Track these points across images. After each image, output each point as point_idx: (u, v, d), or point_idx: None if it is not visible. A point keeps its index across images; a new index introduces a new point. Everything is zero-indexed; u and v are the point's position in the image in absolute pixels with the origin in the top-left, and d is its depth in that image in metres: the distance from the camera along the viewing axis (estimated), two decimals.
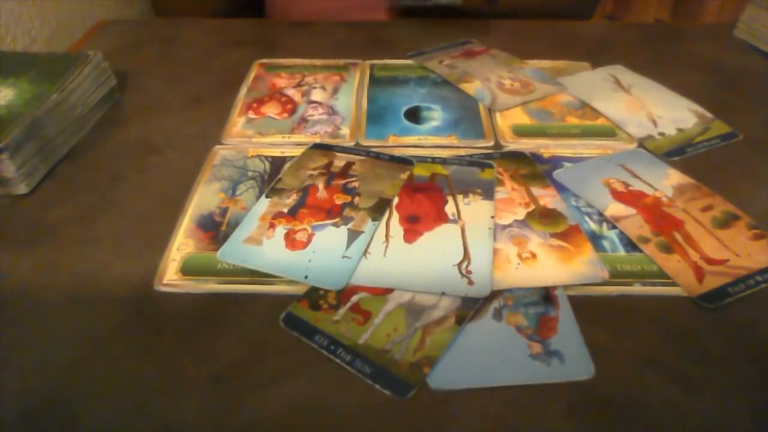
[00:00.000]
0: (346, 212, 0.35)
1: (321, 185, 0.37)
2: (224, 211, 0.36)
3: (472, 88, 0.48)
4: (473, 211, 0.35)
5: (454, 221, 0.34)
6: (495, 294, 0.30)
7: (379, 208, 0.35)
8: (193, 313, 0.30)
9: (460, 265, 0.31)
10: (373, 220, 0.34)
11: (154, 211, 0.36)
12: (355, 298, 0.30)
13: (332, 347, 0.27)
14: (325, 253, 0.32)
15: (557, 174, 0.39)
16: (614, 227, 0.34)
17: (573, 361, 0.27)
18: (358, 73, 0.51)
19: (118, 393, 0.26)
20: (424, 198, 0.36)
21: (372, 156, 0.40)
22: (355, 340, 0.28)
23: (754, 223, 0.34)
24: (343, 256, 0.32)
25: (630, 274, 0.31)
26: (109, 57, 0.46)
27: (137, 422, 0.25)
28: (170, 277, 0.31)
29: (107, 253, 0.33)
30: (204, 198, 0.37)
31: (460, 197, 0.36)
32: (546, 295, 0.30)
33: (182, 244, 0.33)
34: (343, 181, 0.37)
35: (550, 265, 0.32)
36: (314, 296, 0.30)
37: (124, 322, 0.29)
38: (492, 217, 0.34)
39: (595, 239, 0.34)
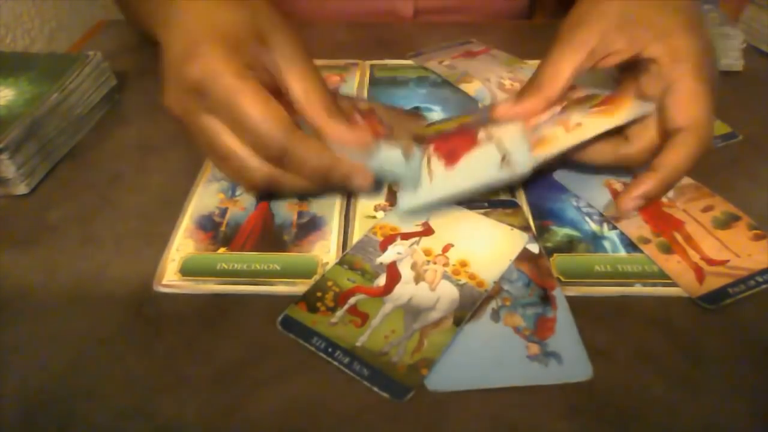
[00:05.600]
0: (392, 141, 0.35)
1: (358, 117, 0.35)
2: (224, 212, 0.36)
3: (472, 88, 0.48)
4: (503, 129, 0.35)
5: (489, 139, 0.34)
6: (493, 294, 0.30)
7: (417, 140, 0.36)
8: (193, 314, 0.30)
9: (501, 161, 0.33)
10: (418, 144, 0.35)
11: (154, 211, 0.36)
12: (352, 300, 0.30)
13: (330, 350, 0.27)
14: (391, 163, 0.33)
15: (557, 174, 0.39)
16: (615, 228, 0.34)
17: (571, 362, 0.27)
18: (358, 73, 0.51)
19: (118, 393, 0.26)
20: (456, 138, 0.36)
21: (388, 107, 0.40)
22: (352, 343, 0.28)
23: (755, 223, 0.34)
24: (407, 163, 0.33)
25: (630, 275, 0.31)
26: (109, 57, 0.46)
27: (137, 422, 0.25)
28: (169, 277, 0.31)
29: (107, 253, 0.33)
30: (203, 198, 0.37)
31: (489, 125, 0.36)
32: (544, 296, 0.30)
33: (182, 245, 0.33)
34: (376, 117, 0.37)
35: (598, 121, 0.33)
36: (312, 298, 0.30)
37: (124, 322, 0.29)
38: (522, 128, 0.35)
39: (596, 240, 0.34)
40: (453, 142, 0.36)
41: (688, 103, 0.31)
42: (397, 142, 0.34)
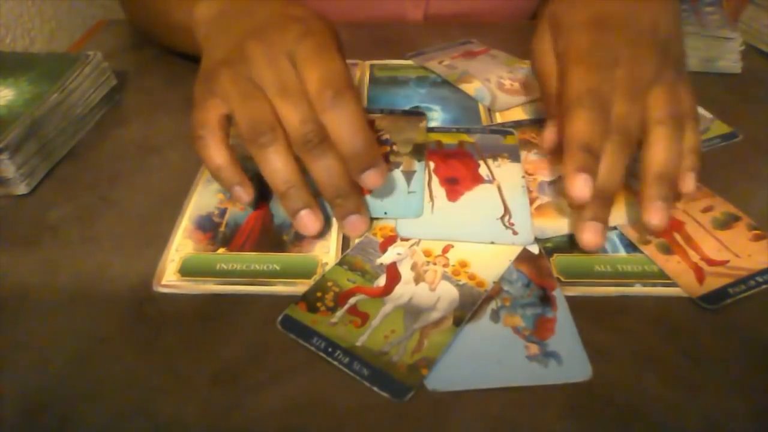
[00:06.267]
0: (392, 158, 0.38)
1: None
2: (223, 212, 0.36)
3: (472, 88, 0.48)
4: (504, 172, 0.38)
5: (490, 181, 0.37)
6: (492, 295, 0.30)
7: (418, 151, 0.39)
8: (193, 314, 0.30)
9: (502, 218, 0.34)
10: (418, 160, 0.38)
11: (154, 211, 0.36)
12: (352, 300, 0.30)
13: (330, 350, 0.27)
14: (391, 193, 0.35)
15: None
16: (615, 228, 0.34)
17: (570, 362, 0.27)
18: (358, 73, 0.51)
19: (118, 393, 0.26)
20: (457, 163, 0.39)
21: (387, 113, 0.43)
22: (352, 343, 0.28)
23: (755, 223, 0.34)
24: (409, 192, 0.35)
25: (630, 275, 0.31)
26: (109, 57, 0.46)
27: (137, 422, 0.25)
28: (169, 277, 0.31)
29: (107, 253, 0.33)
30: (203, 198, 0.37)
31: (490, 161, 0.39)
32: (543, 296, 0.30)
33: (181, 245, 0.33)
34: (374, 136, 0.40)
35: None
36: (312, 298, 0.30)
37: (124, 322, 0.29)
38: (522, 177, 0.37)
39: None
40: (453, 166, 0.38)
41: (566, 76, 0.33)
42: (397, 159, 0.37)
